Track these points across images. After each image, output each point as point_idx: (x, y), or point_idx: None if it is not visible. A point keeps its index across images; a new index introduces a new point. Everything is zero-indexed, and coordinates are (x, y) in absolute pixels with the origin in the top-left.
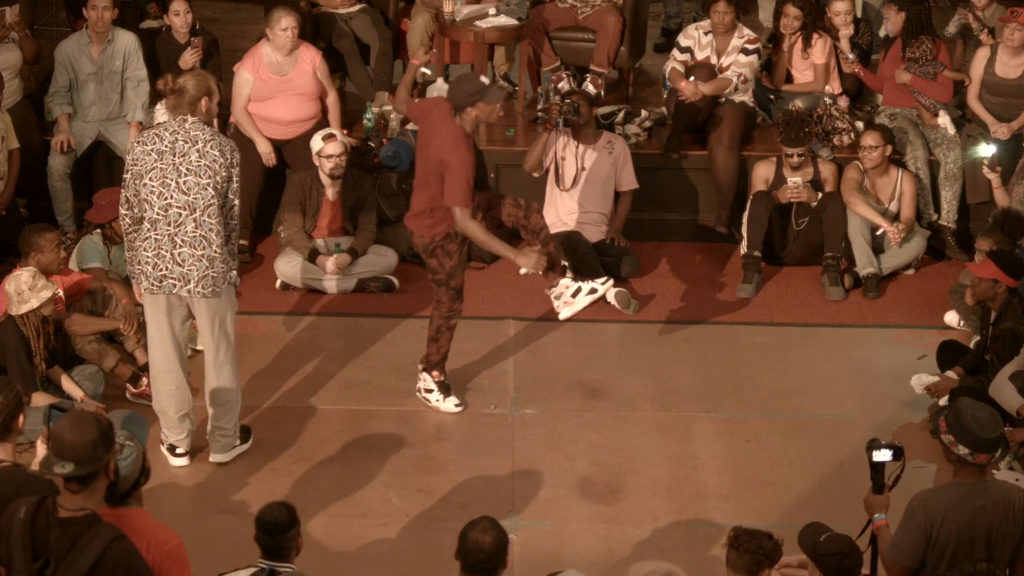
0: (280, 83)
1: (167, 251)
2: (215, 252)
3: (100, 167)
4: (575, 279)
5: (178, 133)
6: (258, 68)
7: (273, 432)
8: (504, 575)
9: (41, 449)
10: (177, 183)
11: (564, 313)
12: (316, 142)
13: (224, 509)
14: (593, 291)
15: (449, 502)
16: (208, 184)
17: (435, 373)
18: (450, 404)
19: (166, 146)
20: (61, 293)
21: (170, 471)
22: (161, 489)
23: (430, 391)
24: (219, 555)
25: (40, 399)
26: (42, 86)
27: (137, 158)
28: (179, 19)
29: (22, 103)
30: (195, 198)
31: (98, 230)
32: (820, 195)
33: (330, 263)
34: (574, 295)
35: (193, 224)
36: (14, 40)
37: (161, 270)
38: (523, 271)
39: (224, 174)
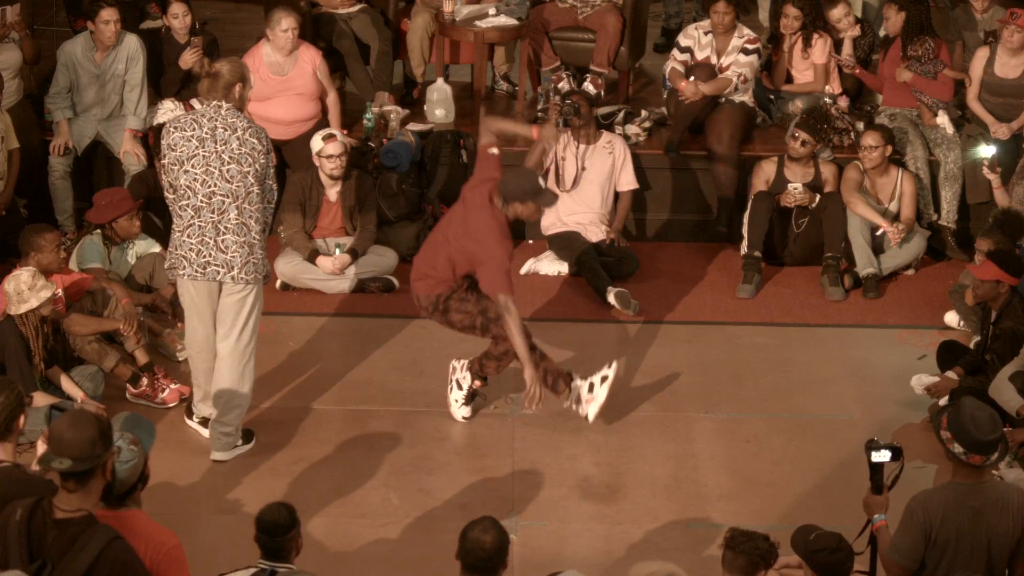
0: (280, 83)
1: (211, 239)
2: (255, 238)
3: (100, 167)
4: (582, 378)
5: (216, 120)
6: (258, 68)
7: (273, 432)
8: (504, 575)
9: (41, 449)
10: (220, 171)
11: (591, 412)
12: (316, 142)
13: (224, 509)
14: (605, 378)
15: (449, 502)
16: (249, 172)
17: (477, 383)
18: (462, 411)
19: (206, 133)
20: (61, 293)
21: (170, 471)
22: (161, 489)
23: (460, 389)
24: (219, 555)
25: (41, 399)
26: (42, 86)
27: (176, 143)
28: (177, 21)
29: (22, 103)
30: (238, 186)
31: (98, 230)
32: (819, 196)
33: (330, 263)
34: (590, 390)
35: (236, 212)
36: (14, 40)
37: (205, 257)
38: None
39: (262, 161)
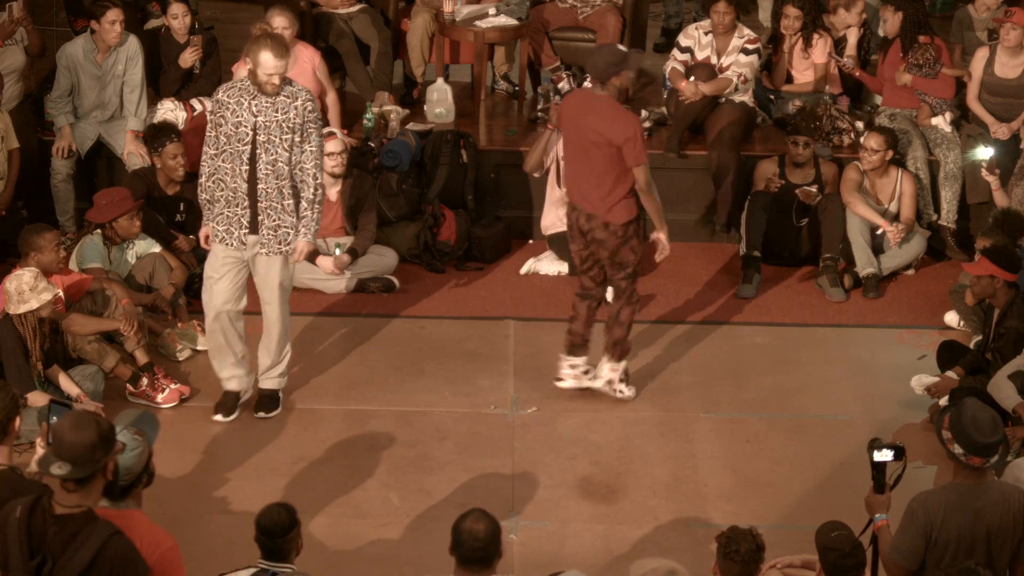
0: None
1: None
2: None
3: (101, 168)
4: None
5: None
6: None
7: (273, 432)
8: (504, 575)
9: (41, 449)
10: None
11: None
12: None
13: (223, 509)
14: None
15: (449, 502)
16: None
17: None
18: (629, 391)
19: None
20: (61, 294)
21: (170, 470)
22: (161, 489)
23: (623, 380)
24: (219, 555)
25: (38, 398)
26: (42, 86)
27: None
28: (177, 22)
29: (22, 103)
30: None
31: (98, 230)
32: (820, 195)
33: (330, 263)
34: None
35: None
36: (16, 41)
37: None
38: (658, 256)
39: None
